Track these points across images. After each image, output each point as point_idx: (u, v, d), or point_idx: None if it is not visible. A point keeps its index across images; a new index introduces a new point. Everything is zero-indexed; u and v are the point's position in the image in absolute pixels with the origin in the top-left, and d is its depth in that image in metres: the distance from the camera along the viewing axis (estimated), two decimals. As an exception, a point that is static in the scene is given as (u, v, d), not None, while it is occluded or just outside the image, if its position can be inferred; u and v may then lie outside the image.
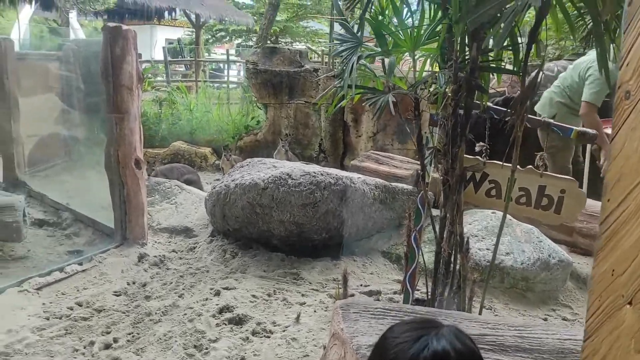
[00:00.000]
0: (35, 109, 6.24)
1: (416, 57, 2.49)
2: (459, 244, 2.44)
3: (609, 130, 4.56)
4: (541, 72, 2.24)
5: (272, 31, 16.19)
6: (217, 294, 3.37)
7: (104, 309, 3.24)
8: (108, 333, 2.98)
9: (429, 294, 2.62)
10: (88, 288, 3.56)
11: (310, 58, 12.97)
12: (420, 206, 2.73)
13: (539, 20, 2.09)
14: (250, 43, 19.45)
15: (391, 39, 2.45)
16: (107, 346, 2.84)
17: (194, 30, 19.31)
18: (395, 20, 2.47)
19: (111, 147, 4.04)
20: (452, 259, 2.48)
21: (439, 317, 1.84)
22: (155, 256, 4.00)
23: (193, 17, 18.36)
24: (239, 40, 23.47)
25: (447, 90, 2.35)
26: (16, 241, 4.16)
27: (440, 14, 2.34)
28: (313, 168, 4.05)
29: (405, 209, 3.77)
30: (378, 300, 3.34)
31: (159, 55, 19.34)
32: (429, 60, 2.61)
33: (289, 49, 8.62)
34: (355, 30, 2.53)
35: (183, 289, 3.49)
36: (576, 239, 4.21)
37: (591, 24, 2.08)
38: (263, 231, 4.01)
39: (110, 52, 3.89)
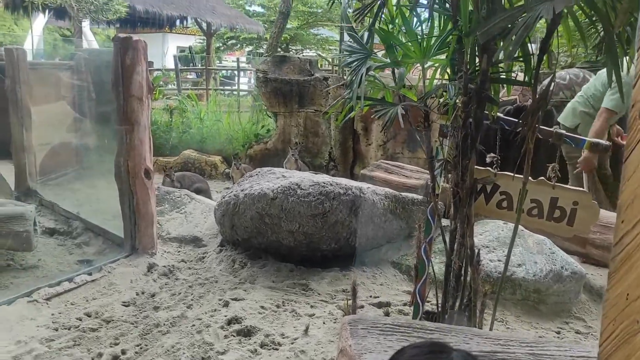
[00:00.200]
0: (47, 118, 6.32)
1: (426, 67, 2.47)
2: (470, 257, 2.41)
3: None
4: (553, 82, 2.21)
5: (282, 39, 16.25)
6: (226, 304, 3.35)
7: (113, 320, 3.23)
8: (116, 344, 2.97)
9: (439, 306, 2.59)
10: (97, 298, 3.56)
11: (321, 65, 13.00)
12: (430, 217, 2.71)
13: (550, 31, 2.06)
14: (261, 50, 19.57)
15: (400, 49, 2.43)
16: (115, 358, 2.83)
17: (205, 38, 19.50)
18: (404, 29, 2.45)
19: (121, 157, 4.05)
20: (463, 272, 2.45)
21: (449, 334, 1.81)
22: (164, 266, 4.00)
23: (204, 25, 18.56)
24: (250, 48, 23.67)
25: (457, 101, 2.33)
26: (27, 250, 4.19)
27: (450, 25, 2.31)
28: (322, 178, 4.03)
29: (415, 219, 3.74)
30: (387, 312, 3.31)
31: (170, 63, 19.51)
32: (439, 70, 2.59)
33: (299, 57, 8.64)
34: (364, 40, 2.51)
35: (192, 300, 3.48)
36: (589, 250, 4.13)
37: (603, 32, 2.05)
38: (272, 241, 3.99)
39: (121, 63, 3.91)
